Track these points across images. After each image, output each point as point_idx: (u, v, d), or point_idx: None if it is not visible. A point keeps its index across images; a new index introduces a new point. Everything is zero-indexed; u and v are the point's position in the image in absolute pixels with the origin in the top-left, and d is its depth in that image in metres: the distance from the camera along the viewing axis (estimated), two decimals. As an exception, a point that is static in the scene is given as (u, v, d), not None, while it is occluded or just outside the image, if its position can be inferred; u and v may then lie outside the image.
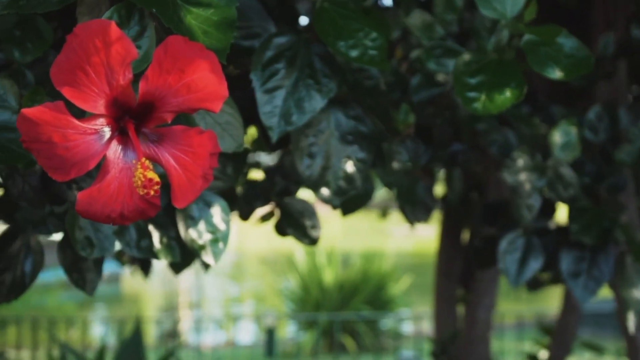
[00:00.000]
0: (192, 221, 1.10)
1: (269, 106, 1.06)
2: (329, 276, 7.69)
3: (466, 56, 1.08)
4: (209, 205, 1.11)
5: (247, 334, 7.93)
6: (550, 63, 1.04)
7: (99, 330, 7.52)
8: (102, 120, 0.69)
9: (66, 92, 0.66)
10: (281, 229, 1.46)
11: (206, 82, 0.69)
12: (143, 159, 0.67)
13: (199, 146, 0.71)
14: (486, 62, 1.07)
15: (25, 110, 0.65)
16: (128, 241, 1.12)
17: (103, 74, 0.66)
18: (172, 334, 7.43)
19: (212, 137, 0.72)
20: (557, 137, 1.47)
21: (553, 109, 1.68)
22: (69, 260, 1.23)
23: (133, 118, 0.70)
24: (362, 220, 14.29)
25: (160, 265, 1.77)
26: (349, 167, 1.17)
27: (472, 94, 1.04)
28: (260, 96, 1.06)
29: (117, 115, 0.70)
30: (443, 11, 1.39)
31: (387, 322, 7.35)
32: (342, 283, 7.61)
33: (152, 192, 0.67)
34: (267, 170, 1.50)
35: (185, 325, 8.30)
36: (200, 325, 7.72)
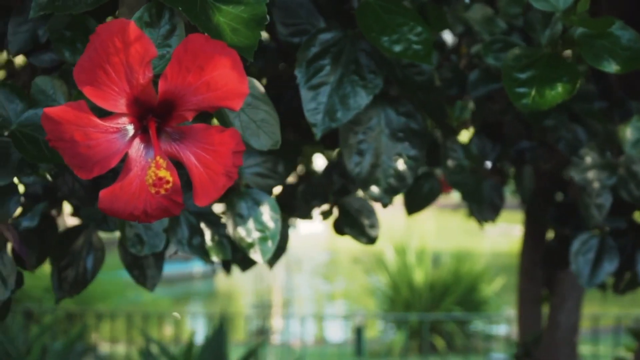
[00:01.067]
0: (240, 219, 1.10)
1: (314, 103, 1.05)
2: (419, 276, 7.62)
3: (516, 51, 1.04)
4: (258, 203, 1.11)
5: (337, 332, 7.95)
6: (605, 56, 0.99)
7: (192, 325, 7.68)
8: (124, 119, 0.70)
9: (87, 91, 0.67)
10: (339, 228, 1.45)
11: (226, 79, 0.68)
12: (157, 158, 0.67)
13: (220, 144, 0.71)
14: (538, 56, 1.03)
15: (48, 110, 0.66)
16: (180, 239, 1.14)
17: (123, 73, 0.67)
18: (262, 331, 7.53)
19: (235, 135, 0.71)
20: (628, 133, 1.40)
21: (631, 104, 1.60)
22: (129, 257, 1.26)
23: (156, 117, 0.71)
24: (455, 220, 14.12)
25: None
26: (400, 164, 1.15)
27: (521, 90, 1.00)
28: (304, 93, 1.05)
29: (139, 113, 0.70)
30: (507, 5, 1.35)
31: (478, 324, 7.23)
32: (433, 283, 7.53)
33: (162, 191, 0.67)
34: (325, 169, 1.49)
35: (277, 323, 8.39)
36: (291, 322, 7.78)
